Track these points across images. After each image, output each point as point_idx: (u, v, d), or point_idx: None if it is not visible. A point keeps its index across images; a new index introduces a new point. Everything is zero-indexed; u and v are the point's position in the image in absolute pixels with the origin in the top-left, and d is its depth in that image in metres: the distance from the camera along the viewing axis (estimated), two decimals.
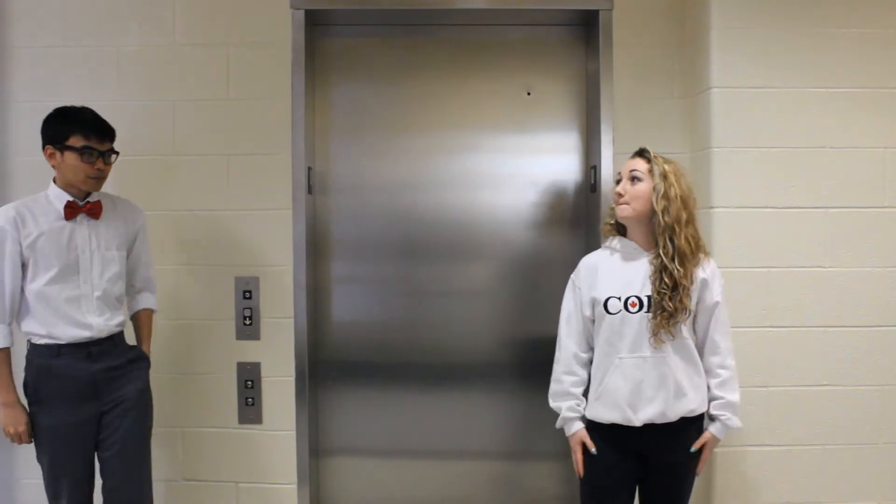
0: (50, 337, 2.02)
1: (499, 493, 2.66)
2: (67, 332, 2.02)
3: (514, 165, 2.62)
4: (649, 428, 1.90)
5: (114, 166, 2.55)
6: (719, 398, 1.94)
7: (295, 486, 2.51)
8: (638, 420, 1.89)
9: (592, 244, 2.49)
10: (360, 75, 2.63)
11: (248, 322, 2.51)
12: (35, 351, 2.05)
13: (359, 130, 2.62)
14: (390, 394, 2.64)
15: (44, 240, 2.00)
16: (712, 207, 2.28)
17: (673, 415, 1.89)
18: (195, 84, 2.49)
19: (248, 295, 2.51)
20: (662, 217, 1.86)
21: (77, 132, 2.01)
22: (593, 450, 1.94)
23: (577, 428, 1.97)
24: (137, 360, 2.20)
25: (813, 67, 2.30)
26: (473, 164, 2.62)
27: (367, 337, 2.64)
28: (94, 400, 2.06)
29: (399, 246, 2.62)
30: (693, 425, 1.95)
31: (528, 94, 2.62)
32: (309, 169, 2.53)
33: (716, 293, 1.94)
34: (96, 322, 2.06)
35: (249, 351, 2.51)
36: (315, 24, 2.57)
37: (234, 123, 2.49)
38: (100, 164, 2.05)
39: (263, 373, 2.52)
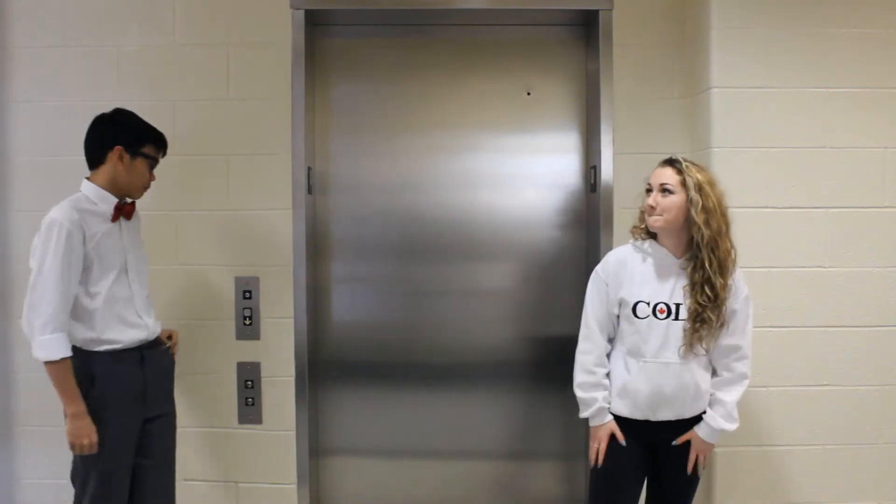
0: (109, 342, 1.97)
1: (499, 493, 2.66)
2: (127, 335, 2.00)
3: (514, 165, 2.62)
4: (665, 422, 1.94)
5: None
6: (711, 394, 1.95)
7: (295, 486, 2.51)
8: (655, 418, 1.92)
9: (592, 244, 2.49)
10: (360, 75, 2.63)
11: (248, 322, 2.51)
12: (90, 359, 1.96)
13: (359, 130, 2.62)
14: (390, 394, 2.64)
15: (106, 241, 1.97)
16: None
17: (689, 413, 1.93)
18: (195, 84, 2.49)
19: (248, 295, 2.51)
20: (704, 229, 1.83)
21: (152, 142, 2.07)
22: (623, 441, 1.95)
23: (609, 419, 1.97)
24: (173, 365, 2.21)
25: (813, 67, 2.30)
26: (473, 164, 2.62)
27: (367, 337, 2.64)
28: (142, 404, 2.04)
29: (399, 246, 2.62)
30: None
31: (528, 94, 2.62)
32: (309, 169, 2.52)
33: (738, 300, 1.91)
34: (149, 322, 2.08)
35: (249, 351, 2.51)
36: (315, 24, 2.57)
37: (234, 123, 2.49)
38: (153, 176, 2.11)
39: (263, 373, 2.52)
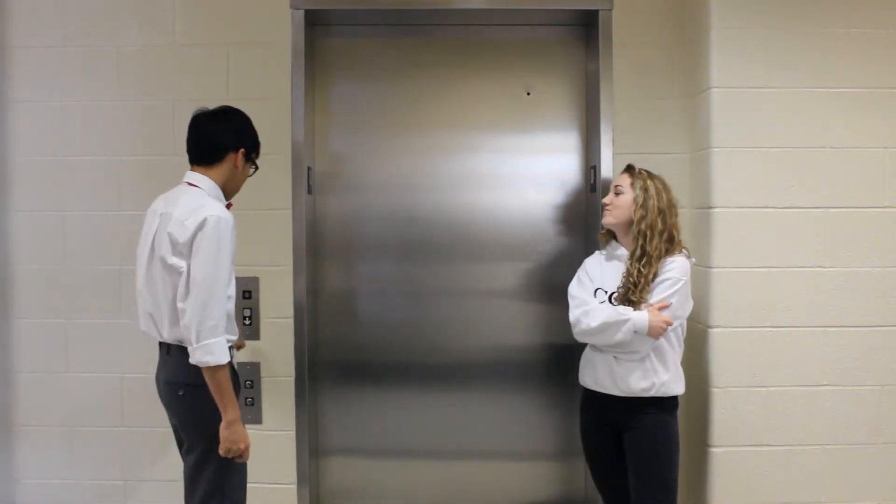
0: (232, 343, 1.91)
1: (499, 493, 2.66)
2: (236, 333, 1.94)
3: (514, 165, 2.62)
4: (614, 399, 2.05)
5: (114, 167, 2.55)
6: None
7: (295, 486, 2.51)
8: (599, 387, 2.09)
9: (592, 244, 2.49)
10: (360, 75, 2.63)
11: (248, 322, 2.51)
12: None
13: (359, 130, 2.62)
14: (390, 394, 2.64)
15: None
16: (712, 207, 2.28)
17: (619, 391, 2.04)
18: (195, 84, 2.49)
19: (248, 295, 2.51)
20: (638, 224, 2.05)
21: (257, 150, 2.05)
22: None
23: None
24: None
25: (813, 67, 2.29)
26: (473, 164, 2.62)
27: (367, 337, 2.64)
28: None
29: (399, 246, 2.62)
30: (655, 411, 2.03)
31: (528, 94, 2.62)
32: (309, 169, 2.52)
33: (656, 280, 2.02)
34: None
35: (249, 351, 2.51)
36: (315, 24, 2.57)
37: None
38: None
39: (263, 373, 2.52)
